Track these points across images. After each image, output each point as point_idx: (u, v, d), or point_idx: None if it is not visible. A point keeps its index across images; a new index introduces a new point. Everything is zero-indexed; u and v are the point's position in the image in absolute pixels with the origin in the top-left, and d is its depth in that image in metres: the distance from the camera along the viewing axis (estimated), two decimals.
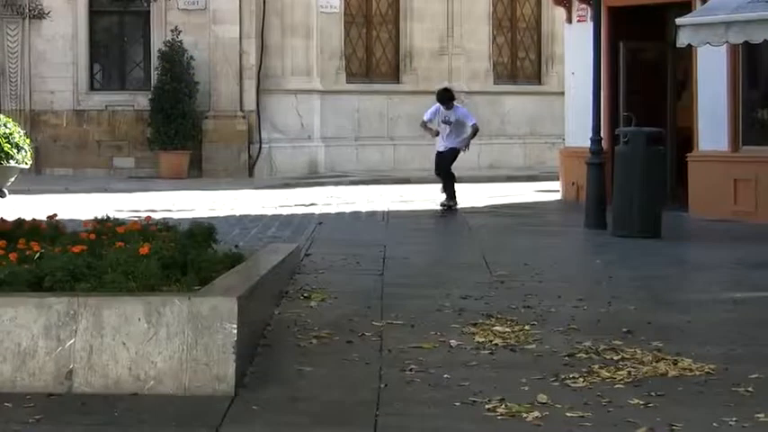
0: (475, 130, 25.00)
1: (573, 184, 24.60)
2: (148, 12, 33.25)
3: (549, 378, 8.87)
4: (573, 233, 20.41)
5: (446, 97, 24.93)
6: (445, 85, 27.43)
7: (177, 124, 33.48)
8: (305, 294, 12.68)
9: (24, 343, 8.29)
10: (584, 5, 24.21)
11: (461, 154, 24.92)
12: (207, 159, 33.96)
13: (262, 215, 22.11)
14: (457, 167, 24.20)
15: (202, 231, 11.63)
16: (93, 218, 12.66)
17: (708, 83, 22.32)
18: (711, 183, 21.92)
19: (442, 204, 24.06)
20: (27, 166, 27.05)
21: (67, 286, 8.82)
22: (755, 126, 21.83)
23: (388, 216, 23.15)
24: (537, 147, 36.05)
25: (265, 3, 34.63)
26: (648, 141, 19.38)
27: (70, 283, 8.87)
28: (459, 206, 23.86)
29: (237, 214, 21.67)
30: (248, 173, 33.94)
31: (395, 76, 36.86)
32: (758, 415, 7.85)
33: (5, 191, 25.75)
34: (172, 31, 33.51)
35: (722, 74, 21.89)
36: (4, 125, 26.32)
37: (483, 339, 10.36)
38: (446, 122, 24.47)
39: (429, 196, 25.83)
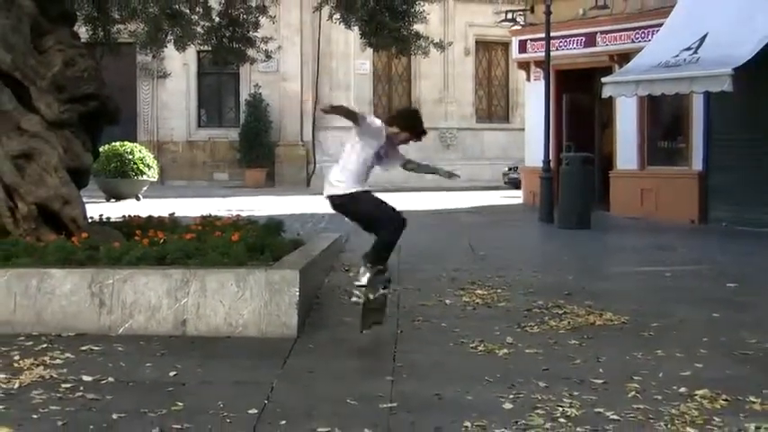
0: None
1: (531, 192, 24.59)
2: (238, 73, 33.34)
3: (513, 326, 8.87)
4: (531, 226, 20.39)
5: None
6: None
7: (258, 150, 33.61)
8: (346, 268, 12.67)
9: (153, 300, 8.32)
10: (538, 69, 24.17)
11: None
12: (278, 174, 34.04)
13: (316, 213, 22.07)
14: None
15: (275, 224, 11.64)
16: (199, 215, 12.70)
17: (623, 122, 22.28)
18: (626, 191, 21.89)
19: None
20: (155, 179, 27.22)
21: (182, 262, 8.85)
22: (656, 152, 21.78)
23: (402, 214, 23.10)
24: (506, 166, 35.96)
25: (319, 67, 34.72)
26: (583, 163, 19.40)
27: (184, 259, 8.90)
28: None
29: (299, 213, 21.69)
30: (307, 184, 33.98)
31: None
32: (657, 351, 7.85)
33: (140, 196, 25.87)
34: (254, 86, 33.63)
35: (633, 116, 21.85)
36: (139, 151, 26.52)
37: (468, 299, 10.36)
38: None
39: (431, 202, 25.85)
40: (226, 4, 13.83)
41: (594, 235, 18.26)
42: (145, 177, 26.35)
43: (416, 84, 36.90)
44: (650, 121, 21.88)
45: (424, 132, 8.46)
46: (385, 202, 8.38)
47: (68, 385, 6.54)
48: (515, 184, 32.69)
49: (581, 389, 6.61)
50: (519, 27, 25.88)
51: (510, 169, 34.67)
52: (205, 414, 5.90)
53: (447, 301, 10.28)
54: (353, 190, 8.15)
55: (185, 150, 34.86)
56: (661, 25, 20.00)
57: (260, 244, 9.81)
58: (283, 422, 5.76)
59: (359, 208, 8.34)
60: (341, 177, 8.19)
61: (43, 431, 5.56)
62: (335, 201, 8.30)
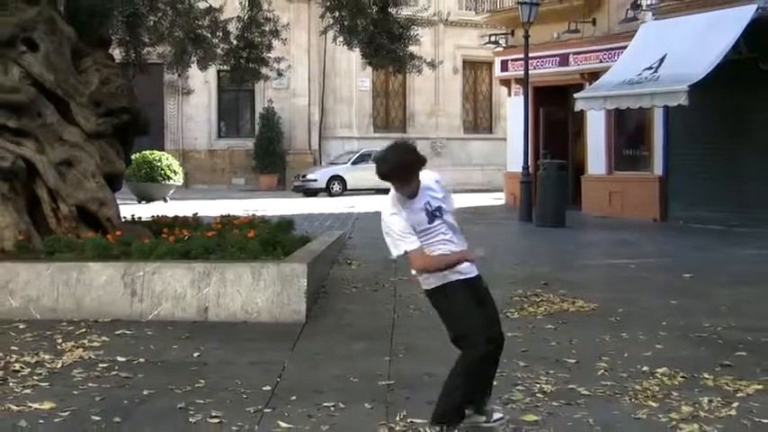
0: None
1: (512, 194, 24.60)
2: (253, 89, 33.36)
3: None
4: (512, 224, 20.39)
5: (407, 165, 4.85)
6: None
7: (270, 157, 33.63)
8: (348, 261, 12.71)
9: (179, 290, 8.34)
10: (518, 85, 24.17)
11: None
12: (289, 179, 34.01)
13: (322, 213, 22.15)
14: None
15: (286, 223, 11.65)
16: (219, 215, 12.71)
17: (593, 132, 22.31)
18: (595, 193, 21.91)
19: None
20: (180, 184, 27.21)
21: (204, 256, 8.87)
22: (622, 159, 21.82)
23: None
24: (490, 172, 35.95)
25: (325, 84, 34.73)
26: (558, 168, 19.40)
27: (206, 254, 8.92)
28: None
29: (307, 213, 21.70)
30: None
31: (403, 128, 36.88)
32: (622, 334, 7.87)
33: (167, 198, 25.87)
34: (267, 101, 33.63)
35: (602, 127, 21.89)
36: (167, 158, 26.53)
37: None
38: (433, 212, 5.02)
39: None
40: (243, 28, 13.84)
41: (568, 232, 18.27)
42: (171, 182, 26.34)
43: (411, 98, 36.92)
44: (617, 131, 21.91)
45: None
46: (485, 304, 5.26)
47: (105, 365, 6.55)
48: (306, 192, 30.76)
49: (556, 368, 6.63)
50: (501, 49, 25.89)
51: (300, 176, 31.84)
52: (225, 391, 5.91)
53: None
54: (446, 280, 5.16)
55: (207, 158, 34.85)
56: (625, 47, 20.04)
57: (272, 240, 9.83)
58: (294, 397, 5.77)
59: (443, 306, 5.30)
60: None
61: (83, 405, 5.57)
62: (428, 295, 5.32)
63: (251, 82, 18.96)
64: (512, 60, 24.77)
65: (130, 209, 16.17)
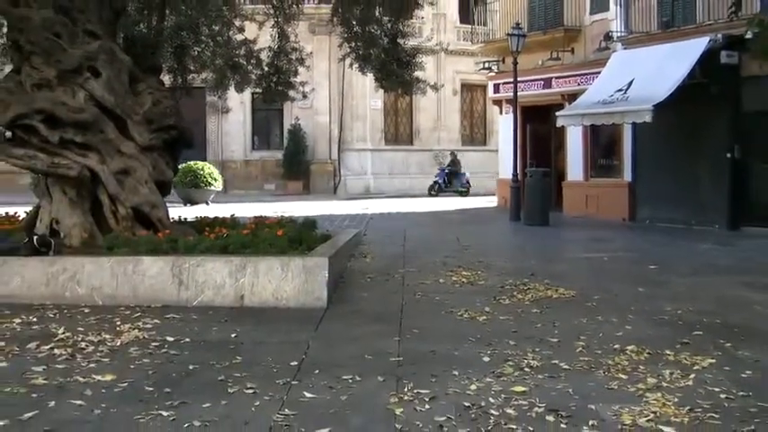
0: None
1: (503, 198, 24.55)
2: (282, 109, 33.34)
3: (490, 299, 8.88)
4: (503, 224, 20.36)
5: None
6: None
7: (296, 167, 33.59)
8: (363, 255, 12.71)
9: (218, 280, 8.35)
10: (508, 105, 24.13)
11: None
12: (312, 185, 34.03)
13: (340, 214, 22.14)
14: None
15: (310, 222, 11.67)
16: (253, 216, 12.72)
17: (573, 145, 22.25)
18: (574, 197, 21.86)
19: None
20: (220, 189, 27.24)
21: (240, 251, 8.88)
22: (597, 168, 21.77)
23: (406, 215, 23.13)
24: (484, 178, 35.78)
25: (343, 104, 34.71)
26: (543, 175, 19.38)
27: (242, 249, 8.94)
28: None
29: (328, 214, 21.71)
30: (333, 192, 33.98)
31: (410, 141, 36.82)
32: (598, 317, 7.86)
33: (209, 202, 25.91)
34: (294, 118, 33.61)
35: (579, 140, 21.83)
36: (208, 168, 26.56)
37: (456, 279, 10.37)
38: None
39: (427, 205, 25.76)
40: (273, 57, 13.88)
41: (551, 230, 18.24)
42: (212, 188, 26.38)
43: (416, 116, 36.85)
44: (592, 144, 21.86)
45: None
46: None
47: (156, 344, 6.58)
48: None
49: (541, 346, 6.63)
50: (493, 73, 25.84)
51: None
52: (258, 366, 5.93)
53: (440, 280, 10.29)
54: None
55: (242, 167, 34.84)
56: (599, 73, 20.02)
57: (298, 237, 9.84)
58: (317, 371, 5.79)
59: None
60: None
61: (138, 378, 5.60)
62: None
63: (280, 102, 18.99)
64: (503, 84, 24.71)
65: (177, 211, 16.21)
